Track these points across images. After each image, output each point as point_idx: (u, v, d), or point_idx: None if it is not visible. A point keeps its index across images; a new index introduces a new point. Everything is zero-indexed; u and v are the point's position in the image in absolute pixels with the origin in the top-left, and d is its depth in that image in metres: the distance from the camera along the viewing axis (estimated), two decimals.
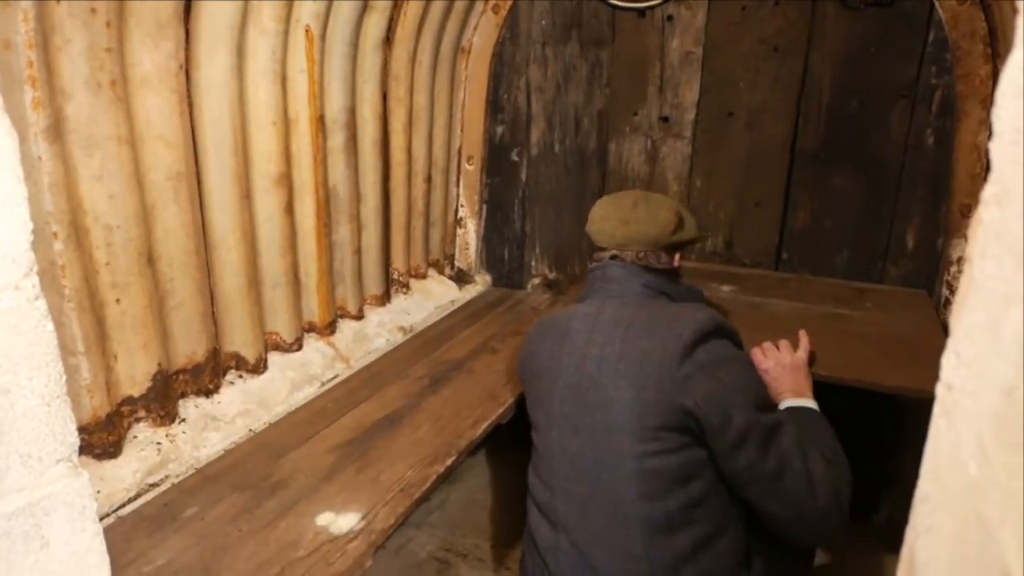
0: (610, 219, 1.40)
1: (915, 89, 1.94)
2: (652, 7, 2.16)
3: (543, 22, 2.32)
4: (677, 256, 1.44)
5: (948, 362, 0.44)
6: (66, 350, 1.21)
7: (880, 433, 2.03)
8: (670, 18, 2.15)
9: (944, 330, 1.38)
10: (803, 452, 1.19)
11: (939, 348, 0.42)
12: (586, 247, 1.49)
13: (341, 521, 1.24)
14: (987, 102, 1.77)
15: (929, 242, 2.02)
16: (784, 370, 1.42)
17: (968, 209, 1.88)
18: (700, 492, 1.19)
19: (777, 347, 1.48)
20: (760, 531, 1.27)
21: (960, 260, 1.83)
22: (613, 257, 1.38)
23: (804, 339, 1.51)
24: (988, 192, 0.40)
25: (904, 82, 1.95)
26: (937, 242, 2.01)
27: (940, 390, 0.45)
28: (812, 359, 1.50)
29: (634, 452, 1.18)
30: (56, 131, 1.13)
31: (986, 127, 1.68)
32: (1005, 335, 0.37)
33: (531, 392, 1.39)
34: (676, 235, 1.39)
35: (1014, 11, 1.58)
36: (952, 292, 1.91)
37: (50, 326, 0.71)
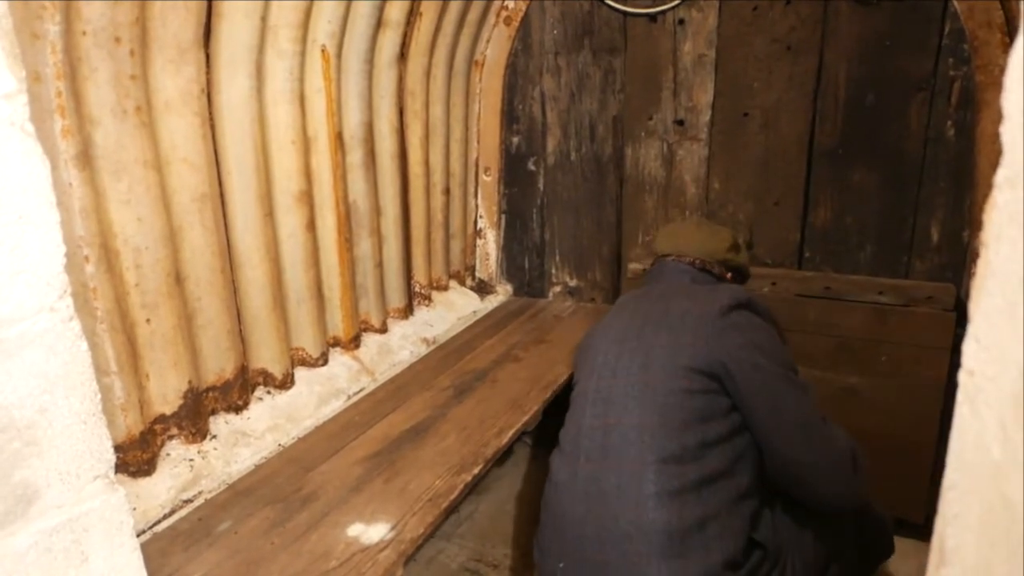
0: (674, 234, 1.62)
1: (933, 81, 1.92)
2: (663, 11, 2.17)
3: (555, 32, 2.33)
4: (729, 274, 1.62)
5: (969, 348, 0.44)
6: (100, 370, 1.24)
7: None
8: (681, 22, 2.16)
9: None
10: (823, 416, 1.31)
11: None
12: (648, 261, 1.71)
13: (371, 531, 1.25)
14: None
15: (955, 235, 1.99)
16: None
17: None
18: (715, 435, 1.27)
19: None
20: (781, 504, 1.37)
21: None
22: (676, 259, 1.58)
23: None
24: (1001, 175, 0.40)
25: (921, 75, 1.93)
26: (963, 234, 1.98)
27: (962, 376, 0.45)
28: None
29: (663, 387, 1.29)
30: (85, 158, 1.17)
31: None
32: (1022, 315, 0.37)
33: (579, 358, 1.52)
34: (729, 254, 1.60)
35: None
36: None
37: (84, 346, 0.73)
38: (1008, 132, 0.39)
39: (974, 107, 1.88)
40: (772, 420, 1.27)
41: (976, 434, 0.42)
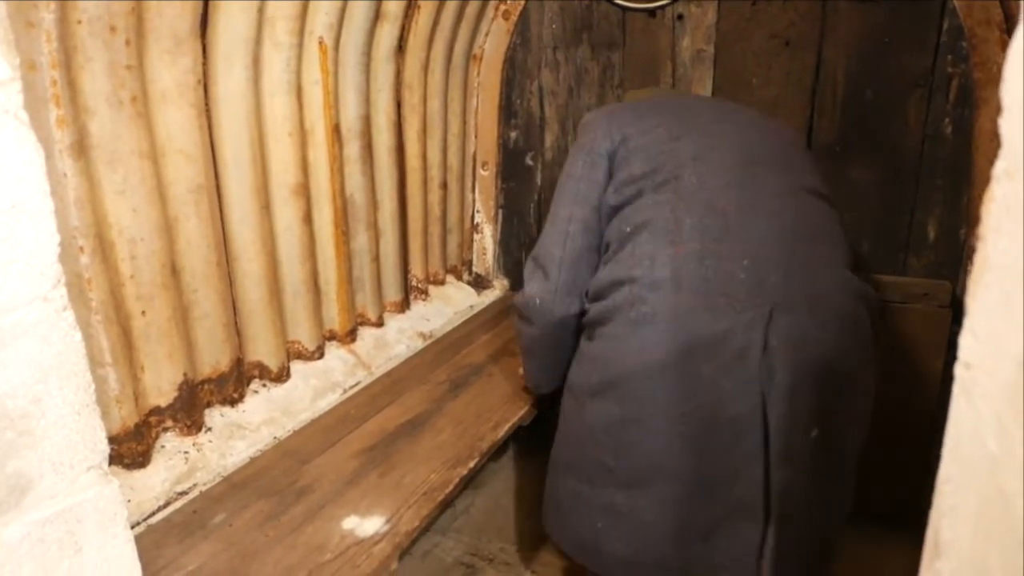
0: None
1: (931, 78, 1.92)
2: (662, 7, 2.16)
3: (553, 26, 2.33)
4: None
5: (965, 341, 0.44)
6: (94, 361, 1.23)
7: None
8: (680, 17, 2.15)
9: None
10: None
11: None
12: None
13: (366, 524, 1.25)
14: None
15: (951, 232, 2.00)
16: None
17: None
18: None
19: None
20: None
21: None
22: None
23: None
24: (999, 167, 0.40)
25: (919, 72, 1.93)
26: (959, 232, 1.99)
27: (959, 369, 0.45)
28: None
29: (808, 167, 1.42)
30: (80, 147, 1.16)
31: None
32: (1019, 308, 0.36)
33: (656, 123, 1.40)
34: None
35: None
36: None
37: (78, 336, 0.73)
38: (1007, 124, 0.39)
39: (972, 104, 1.89)
40: None
41: (972, 427, 0.42)
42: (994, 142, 1.85)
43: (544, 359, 1.48)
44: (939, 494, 0.47)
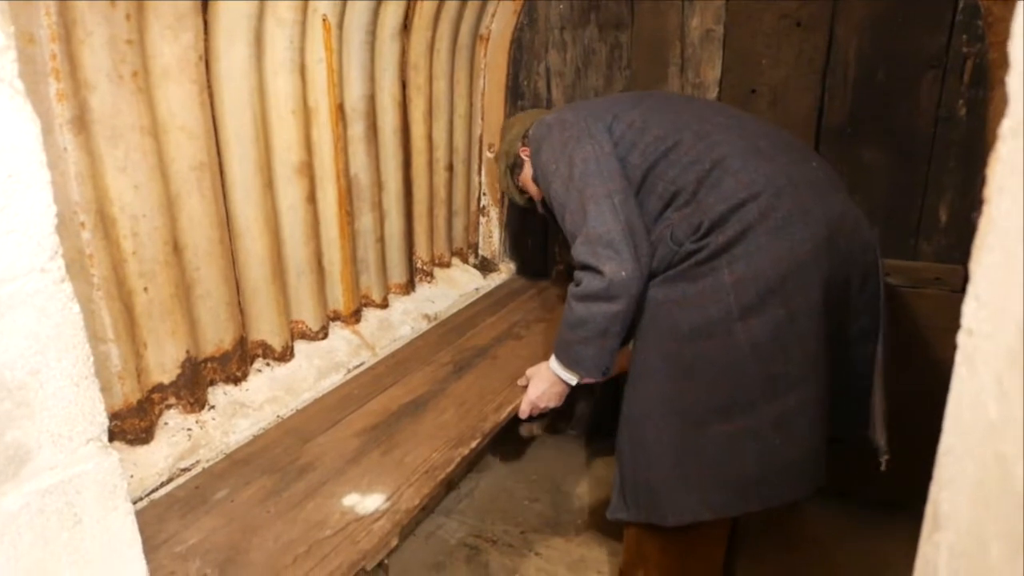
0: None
1: (945, 59, 1.89)
2: None
3: (561, 6, 2.30)
4: None
5: (968, 307, 0.43)
6: (96, 337, 1.24)
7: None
8: None
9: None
10: None
11: None
12: None
13: (367, 502, 1.26)
14: None
15: (963, 216, 1.97)
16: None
17: None
18: None
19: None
20: None
21: None
22: None
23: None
24: (1005, 126, 0.38)
25: (933, 52, 1.89)
26: (972, 215, 1.96)
27: (961, 337, 0.44)
28: None
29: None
30: (81, 122, 1.16)
31: None
32: (1021, 270, 0.35)
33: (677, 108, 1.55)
34: None
35: None
36: None
37: (76, 308, 0.73)
38: (1014, 81, 0.38)
39: (987, 85, 1.85)
40: None
41: (973, 394, 0.41)
42: None
43: (620, 335, 1.47)
44: (939, 466, 0.46)
